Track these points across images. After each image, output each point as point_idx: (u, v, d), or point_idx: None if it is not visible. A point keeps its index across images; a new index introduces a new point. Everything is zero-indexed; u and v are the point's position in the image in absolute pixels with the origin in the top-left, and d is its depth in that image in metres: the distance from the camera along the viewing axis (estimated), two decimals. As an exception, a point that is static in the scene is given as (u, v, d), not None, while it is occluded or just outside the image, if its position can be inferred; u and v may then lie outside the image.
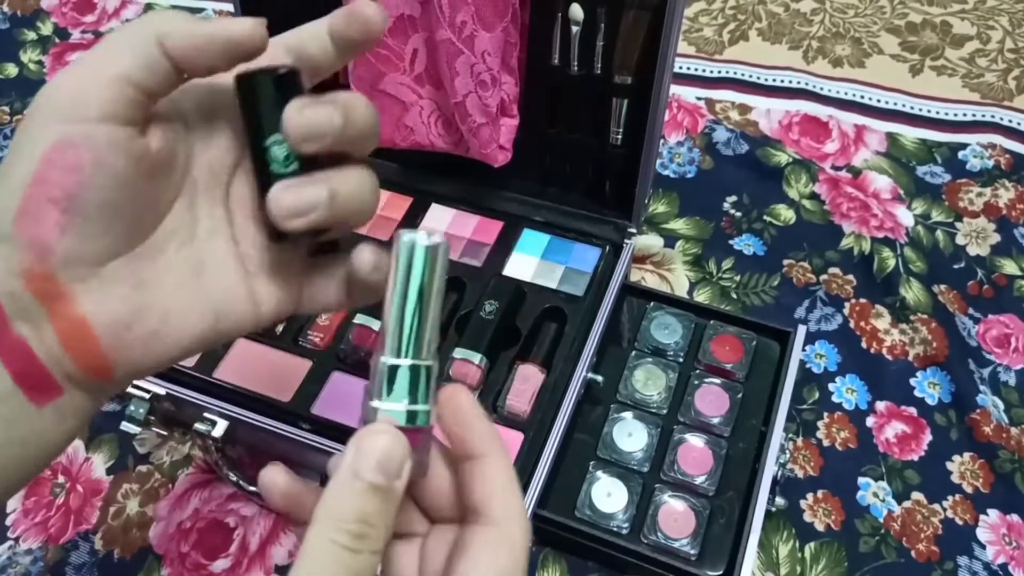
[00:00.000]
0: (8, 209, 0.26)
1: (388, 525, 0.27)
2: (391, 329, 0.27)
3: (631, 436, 0.54)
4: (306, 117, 0.28)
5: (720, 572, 0.49)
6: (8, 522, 0.56)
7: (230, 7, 0.63)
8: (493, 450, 0.29)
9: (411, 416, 0.27)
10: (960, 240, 0.67)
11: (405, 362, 0.27)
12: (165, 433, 0.58)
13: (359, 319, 0.56)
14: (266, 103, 0.28)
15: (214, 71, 0.28)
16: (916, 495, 0.55)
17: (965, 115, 0.76)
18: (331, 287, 0.32)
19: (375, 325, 0.55)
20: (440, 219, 0.63)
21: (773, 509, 0.54)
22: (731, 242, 0.68)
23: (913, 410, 0.59)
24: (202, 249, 0.30)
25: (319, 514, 0.26)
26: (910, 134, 0.75)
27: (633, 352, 0.58)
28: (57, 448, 0.29)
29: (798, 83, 0.78)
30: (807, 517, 0.54)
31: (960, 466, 0.56)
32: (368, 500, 0.26)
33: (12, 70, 0.81)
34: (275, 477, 0.29)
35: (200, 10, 0.86)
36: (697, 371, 0.57)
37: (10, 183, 0.26)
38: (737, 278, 0.66)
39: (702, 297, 0.65)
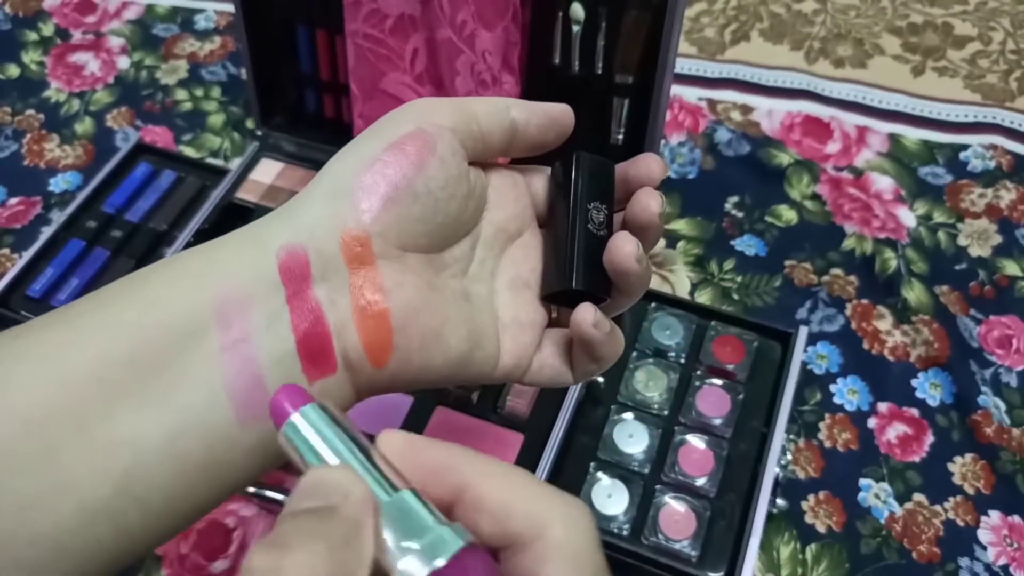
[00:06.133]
0: (354, 171, 0.30)
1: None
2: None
3: (632, 437, 0.54)
4: (659, 206, 0.32)
5: (721, 574, 0.49)
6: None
7: (230, 7, 0.63)
8: (464, 467, 0.23)
9: (433, 548, 0.21)
10: (962, 241, 0.67)
11: (387, 498, 0.22)
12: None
13: None
14: (596, 176, 0.34)
15: (542, 146, 0.34)
16: (917, 496, 0.55)
17: (967, 116, 0.75)
18: (557, 355, 0.34)
19: None
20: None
21: (774, 511, 0.54)
22: (732, 243, 0.68)
23: (915, 411, 0.59)
24: (470, 285, 0.33)
25: None
26: (912, 135, 0.74)
27: (634, 353, 0.57)
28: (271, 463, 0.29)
29: (800, 84, 0.78)
30: (808, 519, 0.54)
31: (961, 467, 0.56)
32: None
33: (14, 71, 0.81)
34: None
35: (200, 10, 0.86)
36: (698, 372, 0.57)
37: (362, 153, 0.30)
38: (739, 279, 0.65)
39: (703, 298, 0.64)
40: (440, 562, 0.20)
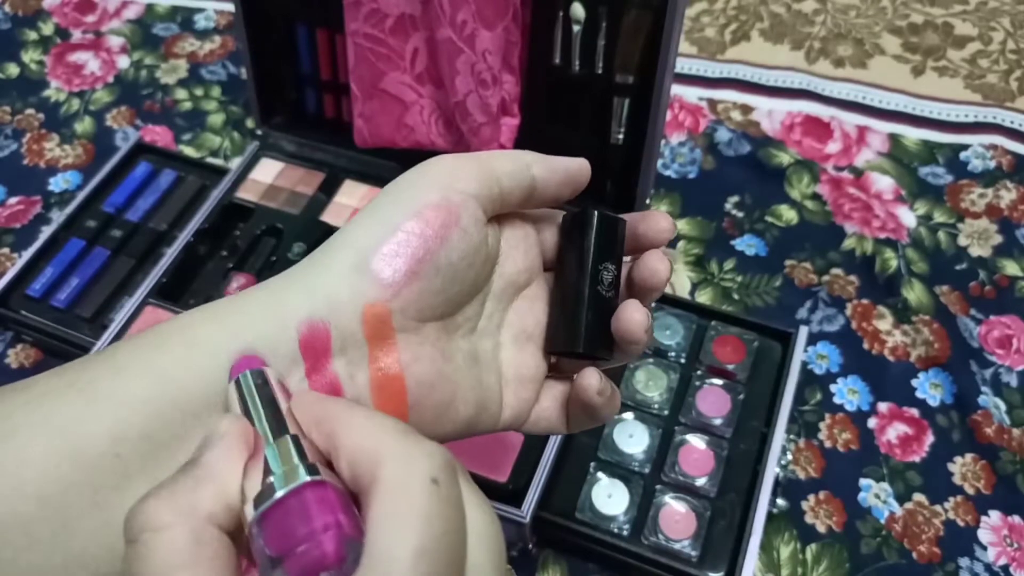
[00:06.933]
0: (376, 242, 0.29)
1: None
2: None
3: (632, 437, 0.54)
4: (667, 272, 0.32)
5: (721, 574, 0.49)
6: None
7: (230, 7, 0.63)
8: (336, 417, 0.25)
9: (279, 482, 0.24)
10: (962, 241, 0.67)
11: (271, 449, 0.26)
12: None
13: None
14: (607, 236, 0.33)
15: (556, 201, 0.34)
16: (918, 496, 0.55)
17: (967, 116, 0.75)
18: (555, 409, 0.35)
19: None
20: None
21: (775, 511, 0.54)
22: (733, 243, 0.68)
23: (915, 411, 0.59)
24: (477, 342, 0.33)
25: None
26: (912, 135, 0.74)
27: (634, 353, 0.57)
28: None
29: (800, 84, 0.78)
30: (808, 519, 0.54)
31: (962, 467, 0.56)
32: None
33: (13, 70, 0.81)
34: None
35: (200, 10, 0.86)
36: (698, 372, 0.57)
37: (384, 221, 0.29)
38: (739, 279, 0.65)
39: (704, 298, 0.64)
40: (275, 497, 0.23)
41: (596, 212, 0.33)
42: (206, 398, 0.27)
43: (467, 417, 0.32)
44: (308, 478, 0.23)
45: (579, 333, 0.32)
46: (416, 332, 0.30)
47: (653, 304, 0.55)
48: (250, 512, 0.23)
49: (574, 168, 0.33)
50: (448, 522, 0.22)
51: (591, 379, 0.32)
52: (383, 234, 0.29)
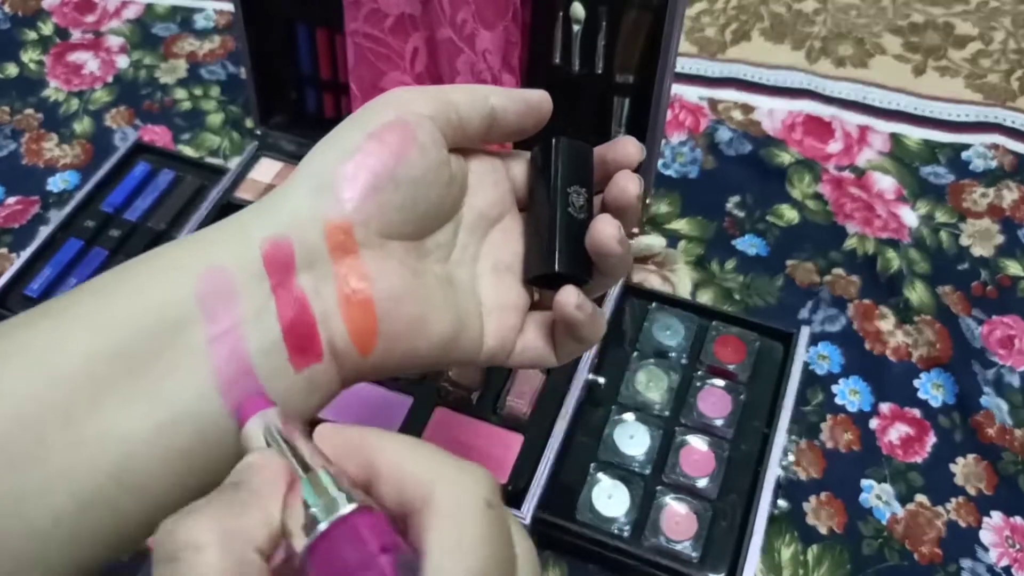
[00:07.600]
0: (335, 162, 0.30)
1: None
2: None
3: (633, 438, 0.54)
4: (636, 188, 0.33)
5: (722, 575, 0.49)
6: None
7: (230, 7, 0.63)
8: (371, 444, 0.25)
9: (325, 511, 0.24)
10: (964, 241, 0.67)
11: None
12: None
13: None
14: (575, 161, 0.34)
15: (521, 132, 0.34)
16: (919, 497, 0.55)
17: (968, 116, 0.75)
18: (540, 337, 0.35)
19: None
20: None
21: (776, 512, 0.53)
22: (734, 242, 0.67)
23: (917, 412, 0.58)
24: (453, 270, 0.34)
25: None
26: (913, 134, 0.74)
27: (635, 353, 0.57)
28: None
29: (801, 83, 0.77)
30: (810, 520, 0.54)
31: (963, 468, 0.56)
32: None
33: (13, 70, 0.81)
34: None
35: (200, 10, 0.85)
36: (699, 372, 0.56)
37: (343, 144, 0.31)
38: (740, 279, 0.65)
39: (704, 298, 0.64)
40: (322, 527, 0.23)
41: (561, 137, 0.34)
42: (176, 315, 0.28)
43: (443, 336, 0.32)
44: (354, 504, 0.23)
45: (553, 254, 0.33)
46: (382, 248, 0.30)
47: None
48: (299, 543, 0.23)
49: (534, 98, 0.34)
50: (503, 547, 0.23)
51: (569, 295, 0.32)
52: (342, 155, 0.30)
